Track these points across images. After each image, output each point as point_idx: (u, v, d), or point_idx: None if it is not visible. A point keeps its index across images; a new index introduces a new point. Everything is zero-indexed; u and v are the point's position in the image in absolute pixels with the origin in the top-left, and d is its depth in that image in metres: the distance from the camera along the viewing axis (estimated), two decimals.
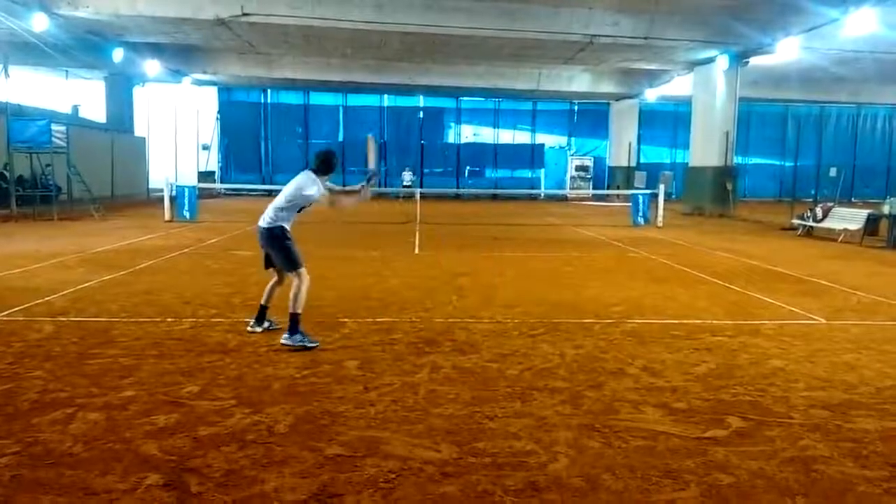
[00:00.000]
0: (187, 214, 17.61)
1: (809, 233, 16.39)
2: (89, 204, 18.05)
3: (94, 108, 28.23)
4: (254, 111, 34.50)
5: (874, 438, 3.96)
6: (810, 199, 19.90)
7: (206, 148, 33.28)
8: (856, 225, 14.81)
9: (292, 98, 34.51)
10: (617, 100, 33.23)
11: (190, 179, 27.42)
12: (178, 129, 31.94)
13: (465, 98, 34.75)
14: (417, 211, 19.44)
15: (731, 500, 3.20)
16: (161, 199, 18.40)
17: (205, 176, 31.20)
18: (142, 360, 5.23)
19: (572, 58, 23.37)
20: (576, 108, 35.74)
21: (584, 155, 35.09)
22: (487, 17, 18.64)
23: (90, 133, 23.41)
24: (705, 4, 17.97)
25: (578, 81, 29.36)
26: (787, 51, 19.40)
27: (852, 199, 27.93)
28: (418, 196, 21.37)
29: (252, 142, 34.34)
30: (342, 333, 6.16)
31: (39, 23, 17.44)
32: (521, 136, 36.05)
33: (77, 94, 27.80)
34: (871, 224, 14.90)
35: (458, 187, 33.12)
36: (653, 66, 25.09)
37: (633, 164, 33.35)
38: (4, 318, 6.52)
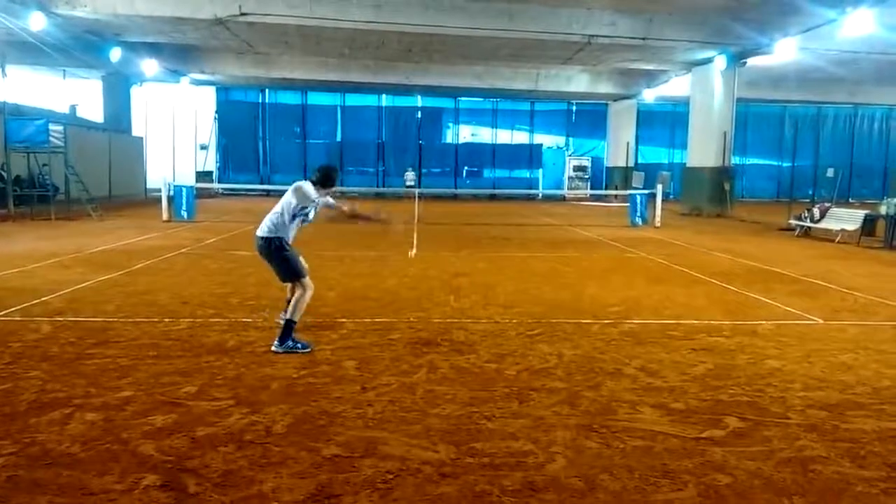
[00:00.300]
0: (185, 214, 17.60)
1: (807, 233, 16.42)
2: (87, 204, 18.02)
3: (92, 107, 28.20)
4: (252, 111, 34.47)
5: (871, 439, 3.97)
6: (808, 200, 19.97)
7: (203, 148, 33.24)
8: (853, 225, 14.84)
9: (290, 98, 34.48)
10: (615, 100, 33.26)
11: (188, 179, 27.42)
12: (176, 129, 31.90)
13: (463, 98, 34.75)
14: (416, 211, 19.43)
15: (729, 500, 3.21)
16: (159, 199, 18.38)
17: (202, 176, 31.17)
18: (139, 360, 5.22)
19: (570, 58, 23.39)
20: (574, 108, 35.76)
21: (582, 155, 35.11)
22: (486, 18, 18.64)
23: (88, 133, 23.38)
24: (703, 5, 17.99)
25: (576, 82, 29.39)
26: (785, 51, 19.43)
27: (849, 200, 27.95)
28: (417, 196, 21.37)
29: (250, 142, 34.31)
30: (340, 334, 6.16)
31: (37, 22, 17.41)
32: (520, 137, 36.07)
33: (74, 94, 27.76)
34: (869, 224, 14.93)
35: (456, 187, 33.12)
36: (651, 67, 25.12)
37: (631, 164, 33.39)
38: (2, 319, 6.51)
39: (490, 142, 35.72)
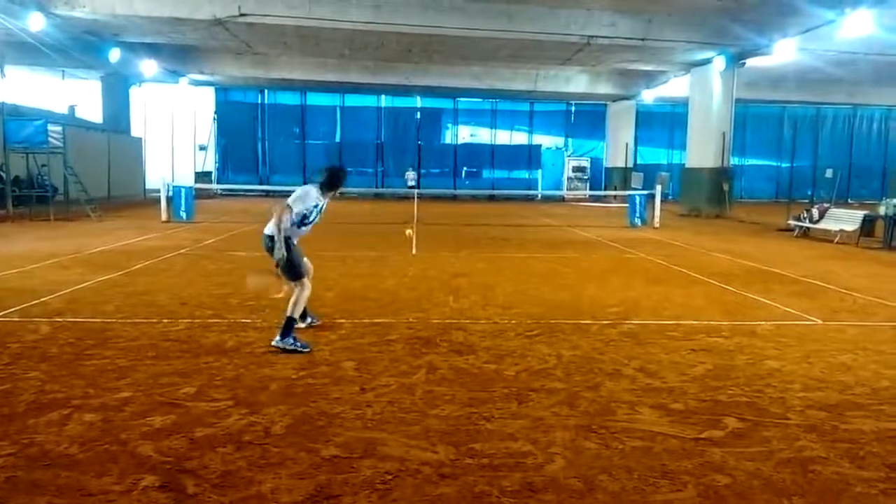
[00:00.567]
0: (184, 215, 17.59)
1: (806, 234, 16.43)
2: (86, 204, 18.00)
3: (91, 108, 28.18)
4: (251, 111, 34.44)
5: (870, 439, 3.97)
6: (807, 200, 19.99)
7: (202, 148, 33.22)
8: (852, 226, 14.85)
9: (289, 98, 34.47)
10: (614, 101, 33.27)
11: (187, 180, 27.41)
12: (175, 130, 31.91)
13: (462, 99, 34.75)
14: (415, 211, 19.43)
15: (728, 501, 3.21)
16: (158, 200, 18.37)
17: (201, 176, 31.15)
18: (138, 361, 5.22)
19: (569, 59, 23.40)
20: (573, 108, 35.76)
21: (581, 156, 35.11)
22: (485, 18, 18.64)
23: (87, 133, 23.36)
24: (702, 6, 18.00)
25: (576, 82, 29.40)
26: (784, 52, 19.45)
27: (848, 200, 27.99)
28: (416, 196, 21.37)
29: (249, 142, 34.29)
30: (339, 334, 6.15)
31: (36, 22, 17.40)
32: (519, 137, 36.07)
33: (73, 95, 27.76)
34: (868, 225, 14.95)
35: (455, 188, 33.12)
36: (650, 68, 25.13)
37: (630, 164, 33.41)
38: (1, 319, 6.51)
39: (489, 142, 35.72)
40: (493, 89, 30.08)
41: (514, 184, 34.30)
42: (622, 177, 32.40)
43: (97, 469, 3.39)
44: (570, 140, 36.26)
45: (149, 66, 24.82)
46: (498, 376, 5.02)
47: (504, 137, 36.02)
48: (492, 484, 3.31)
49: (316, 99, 34.43)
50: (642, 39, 19.44)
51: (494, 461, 3.57)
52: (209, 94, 33.20)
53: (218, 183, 31.67)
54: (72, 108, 26.71)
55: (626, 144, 33.56)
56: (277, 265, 5.61)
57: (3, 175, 17.97)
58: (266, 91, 34.14)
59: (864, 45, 18.91)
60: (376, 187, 32.89)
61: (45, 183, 18.73)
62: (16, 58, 22.02)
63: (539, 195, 32.78)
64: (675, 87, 26.90)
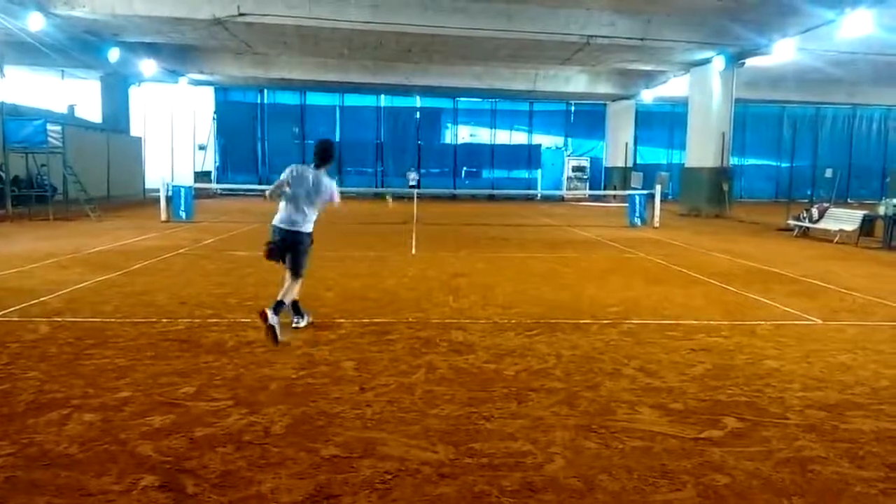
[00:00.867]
0: (183, 215, 17.59)
1: (805, 234, 16.44)
2: (85, 204, 18.00)
3: (90, 107, 28.16)
4: (250, 111, 34.44)
5: (870, 439, 3.97)
6: (806, 200, 19.99)
7: (202, 148, 33.21)
8: (852, 226, 14.85)
9: (289, 98, 34.46)
10: (613, 100, 33.28)
11: (186, 180, 27.38)
12: (175, 129, 31.87)
13: (461, 98, 34.75)
14: (415, 211, 19.43)
15: (728, 501, 3.21)
16: (157, 200, 18.36)
17: (201, 176, 31.12)
18: (137, 360, 5.22)
19: (569, 59, 23.40)
20: (572, 108, 35.76)
21: (581, 155, 35.11)
22: (485, 18, 18.64)
23: (86, 133, 23.35)
24: (702, 6, 18.00)
25: (575, 82, 29.40)
26: (784, 52, 19.45)
27: (848, 200, 27.99)
28: (415, 196, 21.36)
29: (249, 142, 34.28)
30: (339, 334, 6.15)
31: (35, 22, 17.39)
32: (518, 137, 36.07)
33: (73, 94, 27.73)
34: (867, 225, 14.95)
35: (454, 188, 33.11)
36: (649, 67, 25.14)
37: (630, 164, 33.41)
38: (0, 319, 6.50)
39: (489, 142, 35.72)
40: (493, 89, 30.07)
41: (513, 183, 34.28)
42: (622, 176, 32.40)
43: (97, 469, 3.39)
44: (569, 140, 36.26)
45: (148, 66, 24.80)
46: (497, 376, 5.02)
47: (504, 137, 36.01)
48: (491, 484, 3.31)
49: (315, 99, 34.42)
50: (642, 39, 19.44)
51: (494, 461, 3.57)
52: (209, 93, 33.19)
53: (217, 183, 31.64)
54: (71, 108, 26.70)
55: (626, 144, 33.56)
56: (295, 253, 6.04)
57: (3, 175, 17.96)
58: (266, 91, 34.13)
59: (863, 45, 18.90)
60: (376, 187, 32.87)
61: (44, 183, 18.72)
62: (15, 57, 22.00)
63: (539, 195, 32.78)
64: (674, 86, 26.90)
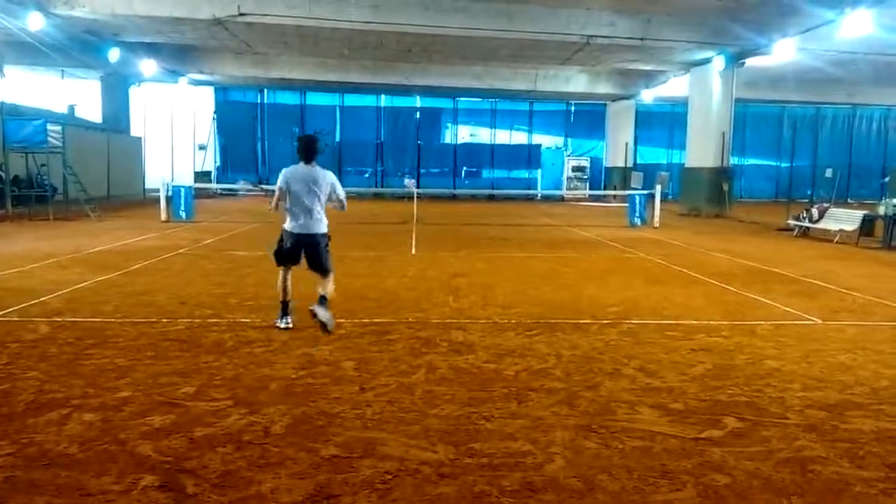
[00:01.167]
0: (183, 215, 17.58)
1: (805, 233, 16.43)
2: (85, 204, 17.99)
3: (90, 107, 28.15)
4: (250, 111, 34.43)
5: (870, 439, 3.97)
6: (806, 200, 19.98)
7: (202, 148, 33.20)
8: (852, 226, 14.85)
9: (289, 98, 34.45)
10: (614, 100, 33.27)
11: (186, 180, 27.38)
12: (175, 129, 31.86)
13: (462, 98, 34.74)
14: (414, 211, 19.44)
15: (728, 501, 3.21)
16: (157, 200, 18.36)
17: (201, 176, 31.12)
18: (137, 360, 5.22)
19: (569, 58, 23.40)
20: (572, 108, 35.75)
21: (581, 155, 35.11)
22: (485, 18, 18.63)
23: (86, 133, 23.34)
24: (702, 6, 17.99)
25: (575, 82, 29.40)
26: (784, 52, 19.44)
27: (848, 200, 27.98)
28: (415, 196, 21.36)
29: (249, 142, 34.27)
30: (339, 334, 6.15)
31: (35, 22, 17.38)
32: (518, 137, 36.06)
33: (73, 94, 27.72)
34: (867, 225, 14.94)
35: (454, 188, 33.10)
36: (649, 67, 25.13)
37: (630, 164, 33.39)
38: (0, 319, 6.51)
39: (489, 142, 35.71)
40: (493, 89, 30.07)
41: (513, 183, 34.26)
42: (622, 176, 32.39)
43: (96, 469, 3.39)
44: (569, 140, 36.26)
45: (148, 66, 24.80)
46: (497, 376, 5.02)
47: (504, 137, 36.00)
48: (491, 484, 3.31)
49: (315, 98, 34.41)
50: (642, 39, 19.44)
51: (494, 461, 3.57)
52: (209, 93, 33.18)
53: (217, 182, 31.64)
54: (71, 108, 26.68)
55: (626, 144, 33.55)
56: (315, 254, 6.18)
57: (3, 175, 17.95)
58: (266, 91, 34.12)
59: (863, 45, 18.89)
60: (375, 187, 32.87)
61: (44, 183, 18.72)
62: (15, 57, 22.01)
63: (539, 195, 32.77)
64: (674, 86, 26.89)
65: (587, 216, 22.86)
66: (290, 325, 6.27)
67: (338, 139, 34.80)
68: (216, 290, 8.14)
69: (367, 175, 34.38)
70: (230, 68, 27.69)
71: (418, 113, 35.47)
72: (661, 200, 19.11)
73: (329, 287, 6.16)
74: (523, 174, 35.26)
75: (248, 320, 6.61)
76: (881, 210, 14.70)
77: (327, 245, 6.28)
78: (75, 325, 6.28)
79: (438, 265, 10.62)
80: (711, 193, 22.79)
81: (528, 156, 35.24)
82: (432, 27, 18.95)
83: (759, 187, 34.55)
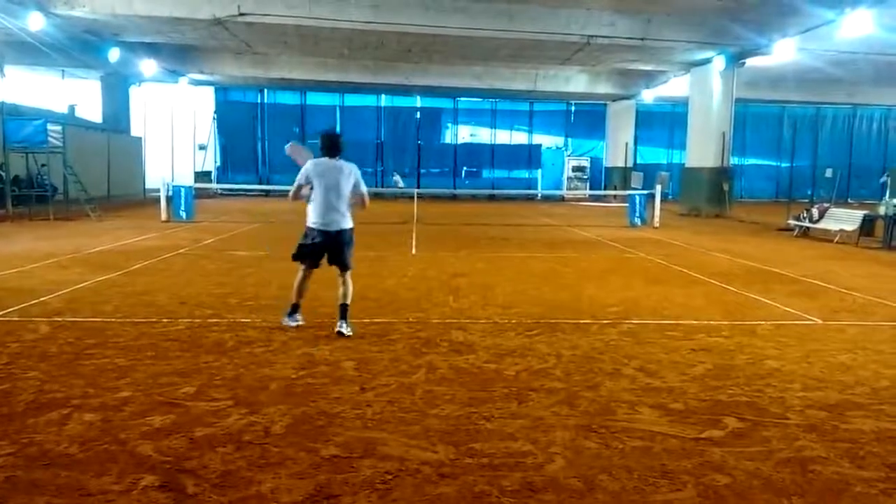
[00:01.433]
0: (184, 215, 17.57)
1: (806, 233, 16.43)
2: (85, 204, 17.99)
3: (91, 107, 28.15)
4: (251, 111, 34.40)
5: (870, 439, 3.97)
6: (806, 200, 19.97)
7: (202, 148, 33.19)
8: (852, 226, 14.84)
9: (289, 98, 34.43)
10: (614, 100, 33.26)
11: (186, 179, 27.38)
12: (175, 129, 31.85)
13: (462, 98, 34.71)
14: (415, 211, 19.44)
15: (728, 501, 3.21)
16: (157, 200, 18.36)
17: (201, 176, 31.12)
18: (138, 360, 5.22)
19: (569, 58, 23.39)
20: (573, 108, 35.73)
21: (581, 155, 35.09)
22: (485, 18, 18.63)
23: (86, 133, 23.34)
24: (702, 6, 17.99)
25: (575, 82, 29.39)
26: (784, 52, 19.44)
27: (848, 200, 27.96)
28: (415, 196, 21.36)
29: (249, 142, 34.24)
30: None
31: (35, 22, 17.37)
32: (518, 137, 36.04)
33: (73, 94, 27.72)
34: (867, 225, 14.94)
35: (454, 188, 33.10)
36: (649, 67, 25.12)
37: (630, 164, 33.38)
38: (0, 319, 6.50)
39: (489, 142, 35.69)
40: (493, 89, 30.05)
41: (513, 183, 34.24)
42: (622, 176, 32.37)
43: (97, 469, 3.39)
44: (569, 140, 36.23)
45: (148, 66, 24.79)
46: (498, 376, 5.02)
47: (504, 137, 35.98)
48: (492, 484, 3.31)
49: (316, 98, 34.38)
50: (642, 39, 19.44)
51: (494, 461, 3.57)
52: (209, 93, 33.16)
53: (217, 183, 31.64)
54: (71, 108, 26.68)
55: (626, 144, 33.54)
56: (339, 250, 6.12)
57: (3, 175, 17.95)
58: (266, 91, 34.09)
59: (863, 45, 18.88)
60: (376, 187, 32.84)
61: (44, 182, 18.72)
62: (15, 57, 21.99)
63: (539, 195, 32.77)
64: (674, 86, 26.87)
65: (587, 216, 22.86)
66: (301, 323, 6.26)
67: None
68: (216, 290, 8.14)
69: (366, 175, 34.38)
70: (230, 68, 27.68)
71: (418, 113, 35.46)
72: (662, 200, 19.11)
73: (350, 289, 6.12)
74: (523, 174, 35.25)
75: (249, 320, 6.61)
76: (881, 210, 14.71)
77: (351, 240, 6.21)
78: (75, 325, 6.28)
79: (438, 265, 10.62)
80: (711, 193, 22.79)
81: (529, 156, 35.23)
82: (433, 27, 18.94)
83: (760, 187, 34.54)
